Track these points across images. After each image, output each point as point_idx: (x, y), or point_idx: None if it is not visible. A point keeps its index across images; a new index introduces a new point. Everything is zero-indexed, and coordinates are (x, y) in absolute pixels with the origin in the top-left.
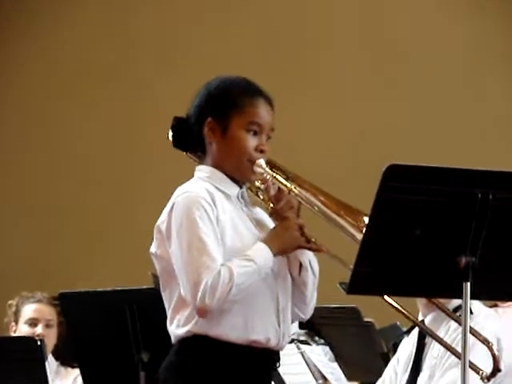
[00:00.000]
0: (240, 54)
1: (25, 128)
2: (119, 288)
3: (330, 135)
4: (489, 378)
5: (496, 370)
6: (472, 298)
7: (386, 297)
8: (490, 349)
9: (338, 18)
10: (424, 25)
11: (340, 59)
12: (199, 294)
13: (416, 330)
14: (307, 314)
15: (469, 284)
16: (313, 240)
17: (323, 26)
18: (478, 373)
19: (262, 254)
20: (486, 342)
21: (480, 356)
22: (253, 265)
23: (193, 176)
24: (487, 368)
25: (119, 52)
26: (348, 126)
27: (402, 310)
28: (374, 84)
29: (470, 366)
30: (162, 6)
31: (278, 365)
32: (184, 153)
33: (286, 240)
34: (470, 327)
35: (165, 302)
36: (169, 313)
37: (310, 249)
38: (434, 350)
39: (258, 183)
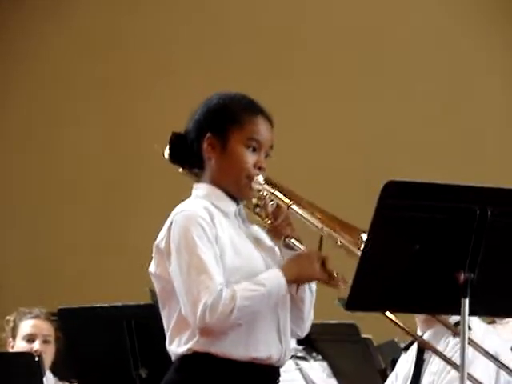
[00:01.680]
0: (236, 65)
1: (13, 142)
2: (117, 304)
3: (327, 151)
4: None
5: None
6: (470, 314)
7: (387, 312)
8: (496, 361)
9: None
10: (426, 29)
11: (337, 68)
12: (199, 312)
13: (414, 347)
14: (304, 331)
15: (467, 300)
16: (334, 275)
17: (322, 46)
18: None
19: (275, 280)
20: (490, 355)
21: (481, 369)
22: (261, 289)
23: (184, 191)
24: (491, 377)
25: (110, 64)
26: (345, 142)
27: (402, 326)
28: (373, 93)
29: (470, 380)
30: (156, 14)
31: (278, 381)
32: (180, 169)
33: (304, 270)
34: (474, 342)
35: (164, 322)
36: (168, 332)
37: (327, 283)
38: (432, 366)
39: (255, 200)
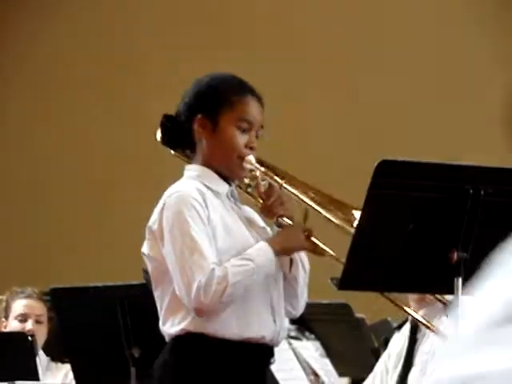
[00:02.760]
0: (230, 68)
1: (3, 135)
2: (110, 284)
3: (323, 134)
4: None
5: None
6: (464, 293)
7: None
8: None
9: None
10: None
11: (332, 59)
12: (193, 292)
13: (407, 326)
14: (299, 310)
15: (460, 279)
16: (319, 244)
17: (316, 28)
18: None
19: (263, 254)
20: None
21: None
22: (250, 263)
23: (175, 175)
24: None
25: (101, 64)
26: (340, 126)
27: (398, 303)
28: (366, 82)
29: None
30: (148, 16)
31: (272, 360)
32: (172, 151)
33: (290, 241)
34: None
35: (157, 302)
36: (161, 313)
37: (313, 252)
38: (425, 345)
39: (246, 180)
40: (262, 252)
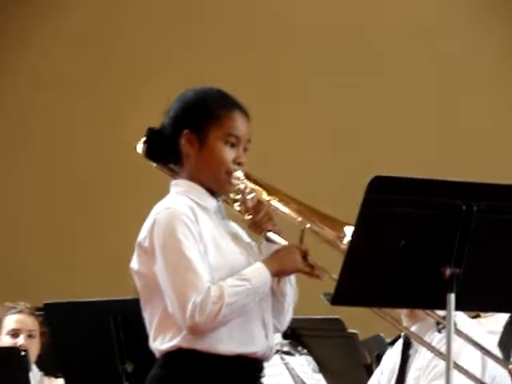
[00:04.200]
0: (221, 64)
1: None
2: (103, 299)
3: (310, 147)
4: None
5: None
6: (456, 309)
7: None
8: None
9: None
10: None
11: (320, 67)
12: (188, 312)
13: (400, 342)
14: (284, 325)
15: (453, 295)
16: (315, 266)
17: (303, 37)
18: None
19: (259, 275)
20: (483, 349)
21: (466, 362)
22: (247, 284)
23: (160, 188)
24: (477, 372)
25: (96, 64)
26: (329, 140)
27: (390, 319)
28: (355, 91)
29: (458, 370)
30: (144, 14)
31: (263, 375)
32: (154, 164)
33: (286, 262)
34: (460, 331)
35: (145, 319)
36: (152, 330)
37: (309, 275)
38: (418, 361)
39: (234, 195)
40: (257, 273)
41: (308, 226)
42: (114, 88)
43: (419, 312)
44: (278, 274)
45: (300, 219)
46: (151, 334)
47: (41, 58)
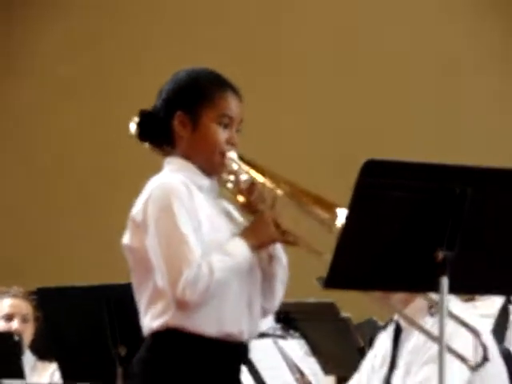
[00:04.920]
0: (213, 62)
1: None
2: (96, 283)
3: (309, 134)
4: (476, 367)
5: (485, 358)
6: (450, 292)
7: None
8: (478, 337)
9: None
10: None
11: (315, 60)
12: (179, 287)
13: (392, 326)
14: (274, 306)
15: (446, 278)
16: (289, 233)
17: (298, 31)
18: (463, 360)
19: (240, 250)
20: (473, 331)
21: (459, 345)
22: (232, 260)
23: (158, 171)
24: (470, 356)
25: (88, 64)
26: (326, 124)
27: (382, 303)
28: (351, 82)
29: (454, 354)
30: (133, 13)
31: (247, 358)
32: (146, 145)
33: (262, 235)
34: (459, 316)
35: (136, 294)
36: (142, 305)
37: (286, 242)
38: (410, 344)
39: (227, 176)
40: (239, 248)
41: (301, 206)
42: (112, 88)
43: (413, 298)
44: (257, 248)
45: (293, 200)
46: (142, 309)
47: (29, 54)
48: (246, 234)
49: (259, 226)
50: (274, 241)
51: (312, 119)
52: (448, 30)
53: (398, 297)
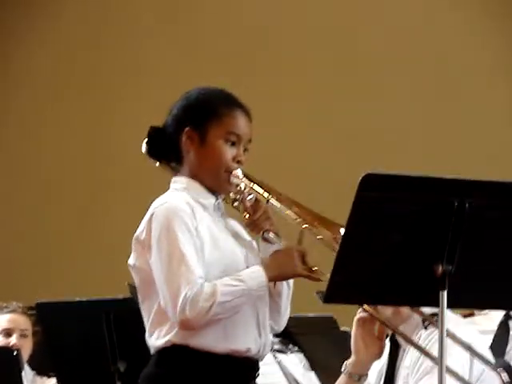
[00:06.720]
0: (211, 64)
1: None
2: (96, 298)
3: (306, 148)
4: None
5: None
6: (449, 306)
7: (365, 306)
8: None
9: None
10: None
11: (314, 68)
12: (179, 306)
13: (388, 341)
14: (281, 325)
15: (445, 292)
16: (314, 269)
17: (298, 39)
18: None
19: (255, 277)
20: (468, 348)
21: (453, 359)
22: (242, 285)
23: (160, 188)
24: (465, 366)
25: (88, 64)
26: (323, 139)
27: (381, 319)
28: (350, 91)
29: (453, 374)
30: (131, 13)
31: (257, 374)
32: (157, 163)
33: (285, 270)
34: (454, 334)
35: (143, 314)
36: (148, 325)
37: (309, 278)
38: (406, 360)
39: (233, 194)
40: (254, 276)
41: (305, 226)
42: (110, 88)
43: (404, 310)
44: (276, 279)
45: (298, 220)
46: (147, 329)
47: (27, 58)
48: (268, 265)
49: (285, 261)
50: (297, 276)
51: (312, 119)
52: (448, 31)
53: (389, 311)
